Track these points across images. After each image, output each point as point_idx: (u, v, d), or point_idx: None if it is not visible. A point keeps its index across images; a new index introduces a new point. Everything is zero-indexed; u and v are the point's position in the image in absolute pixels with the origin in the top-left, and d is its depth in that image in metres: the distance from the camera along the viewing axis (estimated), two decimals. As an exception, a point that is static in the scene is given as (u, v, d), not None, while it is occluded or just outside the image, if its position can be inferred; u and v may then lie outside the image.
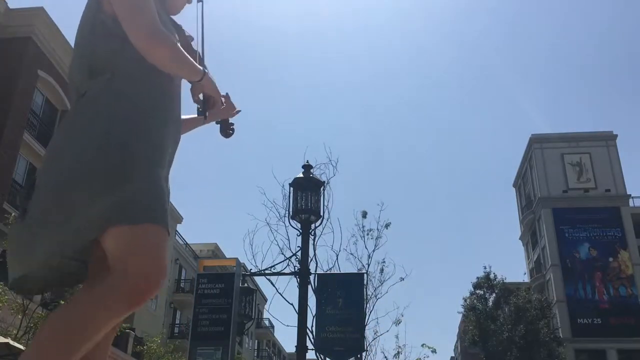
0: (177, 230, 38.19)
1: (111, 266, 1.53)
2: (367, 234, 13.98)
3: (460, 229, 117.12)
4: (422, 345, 13.60)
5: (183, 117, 2.03)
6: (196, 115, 2.20)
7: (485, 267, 41.62)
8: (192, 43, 2.11)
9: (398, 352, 15.69)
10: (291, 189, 8.69)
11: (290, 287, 15.43)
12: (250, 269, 11.05)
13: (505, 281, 40.34)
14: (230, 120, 2.26)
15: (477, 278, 40.36)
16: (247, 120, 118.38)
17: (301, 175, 8.67)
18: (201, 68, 1.88)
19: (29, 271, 1.61)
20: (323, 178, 10.35)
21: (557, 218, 45.40)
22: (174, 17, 2.06)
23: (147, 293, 1.51)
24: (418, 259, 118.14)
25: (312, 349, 9.24)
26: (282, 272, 10.00)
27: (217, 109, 2.08)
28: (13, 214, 16.20)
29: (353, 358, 9.73)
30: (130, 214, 1.55)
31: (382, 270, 14.20)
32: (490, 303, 39.23)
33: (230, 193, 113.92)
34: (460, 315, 45.55)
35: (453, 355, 75.12)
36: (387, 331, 16.70)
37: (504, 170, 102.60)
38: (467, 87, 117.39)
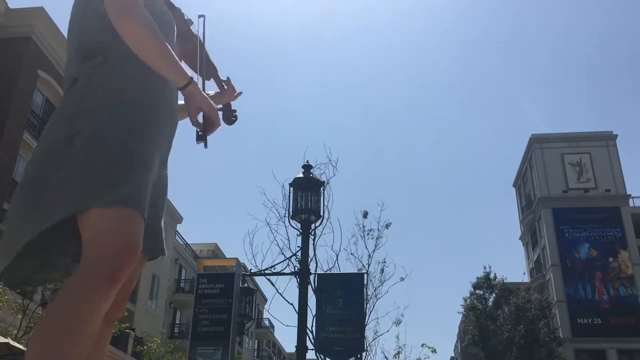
0: (177, 230, 38.19)
1: (84, 250, 1.54)
2: (368, 234, 13.97)
3: (460, 229, 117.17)
4: (422, 345, 13.61)
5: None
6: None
7: (485, 267, 41.69)
8: (192, 56, 2.07)
9: (398, 352, 15.69)
10: (291, 189, 8.69)
11: (290, 287, 15.44)
12: (250, 269, 11.05)
13: (505, 281, 40.36)
14: (233, 107, 2.20)
15: (477, 278, 40.37)
16: (248, 120, 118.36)
17: (301, 175, 8.67)
18: (188, 74, 1.78)
19: (10, 262, 1.62)
20: (323, 178, 10.35)
21: (557, 218, 45.40)
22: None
23: (119, 269, 1.50)
24: (418, 259, 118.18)
25: (312, 349, 9.24)
26: (282, 272, 9.99)
27: (213, 128, 1.90)
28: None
29: (353, 358, 9.73)
30: (101, 197, 1.54)
31: (382, 270, 14.19)
32: (490, 303, 39.23)
33: (230, 193, 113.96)
34: (460, 315, 45.58)
35: (453, 355, 75.11)
36: (387, 331, 16.69)
37: (504, 170, 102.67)
38: (467, 87, 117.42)
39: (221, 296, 10.34)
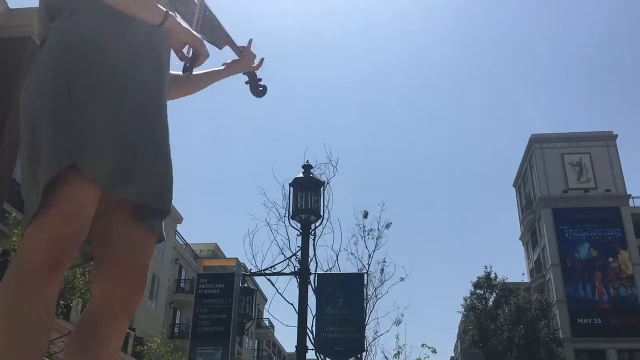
0: (177, 230, 38.19)
1: None
2: (368, 234, 13.96)
3: (460, 229, 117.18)
4: (422, 345, 13.60)
5: (196, 72, 1.93)
6: (213, 69, 2.07)
7: (486, 267, 41.70)
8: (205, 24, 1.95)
9: (398, 352, 15.66)
10: (291, 189, 8.69)
11: (290, 287, 15.41)
12: (250, 269, 11.04)
13: (505, 281, 40.39)
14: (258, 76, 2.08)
15: (478, 278, 40.40)
16: (248, 120, 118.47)
17: (301, 175, 8.67)
18: (163, 9, 1.65)
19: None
20: (323, 178, 10.34)
21: (557, 218, 45.40)
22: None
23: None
24: (418, 259, 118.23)
25: (312, 349, 9.24)
26: (282, 272, 9.99)
27: (199, 59, 1.78)
28: (13, 214, 16.18)
29: (353, 358, 9.73)
30: (52, 159, 1.46)
31: (382, 270, 14.17)
32: (490, 303, 39.25)
33: (230, 193, 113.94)
34: (460, 315, 45.61)
35: (453, 355, 75.13)
36: (387, 331, 16.65)
37: (504, 170, 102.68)
38: (467, 87, 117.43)
39: (221, 296, 10.34)
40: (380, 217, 14.44)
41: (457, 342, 70.14)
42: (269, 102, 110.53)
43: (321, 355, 10.07)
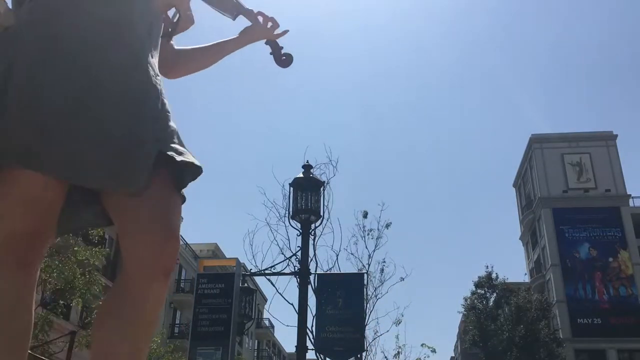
0: (177, 230, 38.14)
1: None
2: (368, 234, 13.98)
3: (460, 229, 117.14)
4: (422, 345, 13.61)
5: (209, 43, 1.86)
6: (225, 39, 1.94)
7: (487, 267, 41.73)
8: None
9: (398, 352, 15.67)
10: (291, 189, 8.70)
11: (290, 287, 15.44)
12: (250, 269, 11.05)
13: (506, 281, 40.42)
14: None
15: (479, 277, 40.43)
16: (248, 120, 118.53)
17: (301, 175, 8.68)
18: None
19: None
20: (323, 178, 10.36)
21: (557, 218, 45.41)
22: None
23: None
24: (418, 259, 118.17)
25: (312, 349, 9.25)
26: (282, 272, 10.00)
27: (181, 25, 1.66)
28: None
29: (353, 358, 9.73)
30: None
31: (382, 270, 14.19)
32: (491, 303, 39.27)
33: (230, 193, 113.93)
34: (461, 315, 45.61)
35: (453, 355, 75.12)
36: (387, 331, 16.67)
37: (504, 170, 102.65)
38: (467, 87, 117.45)
39: (221, 296, 10.35)
40: (380, 217, 14.47)
41: (457, 342, 70.15)
42: (269, 102, 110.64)
43: (321, 355, 10.07)
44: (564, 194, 46.42)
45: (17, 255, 1.39)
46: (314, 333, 9.35)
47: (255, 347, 52.92)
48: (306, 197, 8.41)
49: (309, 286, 9.00)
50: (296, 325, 8.10)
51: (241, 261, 10.93)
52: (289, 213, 9.04)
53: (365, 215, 14.29)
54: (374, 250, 13.84)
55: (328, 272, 11.85)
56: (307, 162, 8.90)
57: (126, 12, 1.50)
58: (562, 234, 44.88)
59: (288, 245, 10.96)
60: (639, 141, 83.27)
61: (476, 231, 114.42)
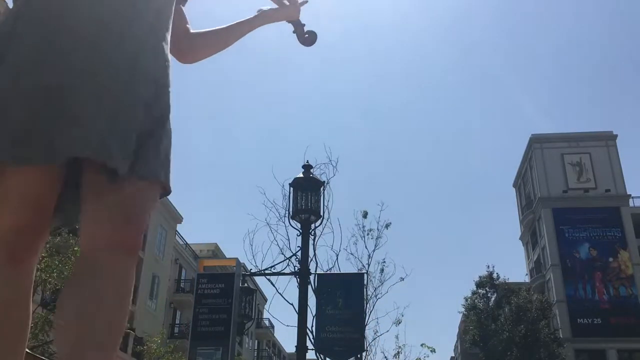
0: (177, 230, 38.21)
1: None
2: (368, 234, 13.98)
3: (460, 229, 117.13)
4: (422, 345, 13.61)
5: (224, 26, 1.83)
6: (244, 19, 1.89)
7: (488, 267, 41.75)
8: None
9: (398, 352, 15.67)
10: (291, 189, 8.69)
11: (290, 287, 15.41)
12: (250, 269, 11.05)
13: (507, 281, 40.46)
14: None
15: (480, 277, 40.45)
16: (248, 120, 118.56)
17: (301, 175, 8.67)
18: None
19: None
20: (323, 178, 10.35)
21: (557, 218, 45.41)
22: None
23: None
24: (418, 259, 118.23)
25: (312, 349, 9.25)
26: (282, 272, 9.99)
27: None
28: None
29: (353, 358, 9.73)
30: None
31: (382, 270, 14.18)
32: (491, 302, 39.29)
33: (230, 193, 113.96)
34: (461, 315, 45.61)
35: (453, 355, 75.12)
36: (387, 331, 16.65)
37: (504, 170, 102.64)
38: (467, 87, 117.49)
39: (221, 296, 10.35)
40: (379, 217, 14.47)
41: (457, 342, 70.15)
42: (269, 102, 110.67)
43: (321, 355, 10.07)
44: (564, 194, 46.42)
45: (8, 251, 1.36)
46: (314, 333, 9.35)
47: (255, 347, 52.93)
48: (306, 197, 8.41)
49: (309, 286, 9.00)
50: (296, 325, 8.10)
51: (241, 261, 10.93)
52: (289, 213, 9.05)
53: (365, 215, 14.28)
54: (373, 250, 13.83)
55: (328, 272, 11.85)
56: (307, 162, 8.90)
57: (124, 9, 1.47)
58: (562, 234, 44.89)
59: (288, 245, 10.95)
60: (639, 141, 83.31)
61: (476, 231, 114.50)
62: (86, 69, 1.37)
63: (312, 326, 9.36)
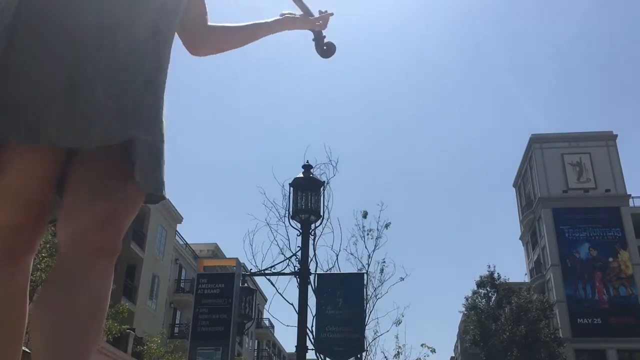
0: (177, 230, 38.20)
1: None
2: (367, 234, 13.99)
3: (460, 229, 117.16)
4: (422, 345, 13.65)
5: (242, 24, 1.80)
6: (268, 21, 1.85)
7: (489, 267, 41.78)
8: None
9: (398, 352, 15.69)
10: (291, 189, 8.69)
11: (290, 287, 15.44)
12: (250, 269, 11.06)
13: (507, 281, 40.48)
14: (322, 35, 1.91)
15: (481, 277, 40.47)
16: (248, 120, 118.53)
17: (301, 175, 8.67)
18: None
19: None
20: (323, 178, 10.37)
21: (557, 218, 45.41)
22: None
23: None
24: (418, 259, 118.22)
25: (312, 349, 9.25)
26: (282, 272, 10.00)
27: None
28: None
29: (353, 358, 9.73)
30: None
31: (382, 270, 14.21)
32: (492, 302, 39.31)
33: (230, 193, 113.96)
34: (461, 314, 45.62)
35: (453, 355, 75.12)
36: (387, 331, 16.71)
37: (504, 170, 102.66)
38: (467, 87, 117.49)
39: (221, 296, 10.35)
40: (379, 217, 14.49)
41: (457, 342, 70.15)
42: (269, 102, 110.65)
43: (321, 355, 10.08)
44: (564, 194, 46.42)
45: (5, 249, 1.35)
46: (314, 333, 9.35)
47: (255, 347, 52.92)
48: (306, 197, 8.41)
49: (309, 286, 9.00)
50: (296, 325, 8.10)
51: (241, 261, 10.93)
52: (289, 213, 9.05)
53: (364, 215, 14.32)
54: (373, 250, 13.87)
55: (328, 272, 11.87)
56: (307, 162, 8.90)
57: (123, 12, 1.43)
58: (562, 234, 44.89)
59: (288, 245, 10.99)
60: (639, 141, 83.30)
61: (476, 231, 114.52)
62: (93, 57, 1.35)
63: (312, 326, 9.37)
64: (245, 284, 11.06)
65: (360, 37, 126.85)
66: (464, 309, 41.73)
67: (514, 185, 56.31)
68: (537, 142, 49.31)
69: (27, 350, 1.48)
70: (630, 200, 46.25)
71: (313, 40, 1.89)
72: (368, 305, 12.95)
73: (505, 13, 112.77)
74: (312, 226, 8.85)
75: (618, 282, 42.81)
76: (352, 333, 9.36)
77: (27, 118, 1.27)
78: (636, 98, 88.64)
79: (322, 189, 8.72)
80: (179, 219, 37.63)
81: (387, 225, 14.30)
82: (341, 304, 9.42)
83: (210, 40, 1.79)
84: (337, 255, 12.37)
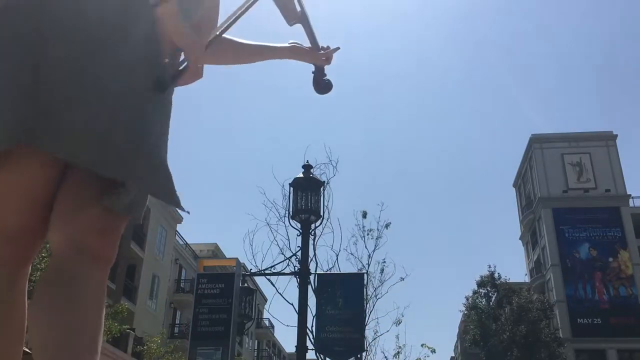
0: (177, 230, 38.20)
1: None
2: (367, 234, 14.00)
3: (460, 229, 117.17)
4: (422, 345, 13.66)
5: (246, 42, 1.71)
6: (275, 45, 1.77)
7: (490, 266, 41.79)
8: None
9: (398, 352, 15.69)
10: (291, 189, 8.70)
11: (290, 287, 15.46)
12: (250, 269, 11.06)
13: (508, 281, 40.51)
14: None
15: (481, 277, 40.49)
16: (248, 120, 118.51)
17: (301, 175, 8.67)
18: None
19: None
20: (323, 178, 10.37)
21: (557, 218, 45.41)
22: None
23: None
24: (418, 259, 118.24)
25: (312, 349, 9.25)
26: (282, 272, 10.00)
27: (185, 77, 1.42)
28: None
29: (353, 358, 9.74)
30: None
31: (382, 270, 14.22)
32: (492, 302, 39.33)
33: (230, 193, 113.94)
34: (461, 314, 45.64)
35: (453, 355, 75.12)
36: (387, 331, 16.70)
37: (504, 170, 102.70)
38: (467, 87, 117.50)
39: (221, 296, 10.36)
40: (379, 217, 14.50)
41: (457, 342, 70.15)
42: (269, 102, 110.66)
43: (321, 355, 10.08)
44: (564, 194, 46.42)
45: (7, 250, 1.34)
46: (314, 333, 9.36)
47: (255, 347, 52.92)
48: (306, 197, 8.41)
49: (309, 286, 9.00)
50: (296, 325, 8.10)
51: (241, 261, 10.94)
52: (289, 213, 9.06)
53: (364, 215, 14.33)
54: (373, 251, 13.89)
55: (328, 272, 11.87)
56: (307, 162, 8.90)
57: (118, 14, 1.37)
58: (562, 234, 44.88)
59: (288, 245, 10.99)
60: (639, 141, 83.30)
61: (476, 231, 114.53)
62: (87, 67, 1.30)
63: (312, 326, 9.38)
64: (245, 284, 11.06)
65: (360, 37, 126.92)
66: (464, 309, 41.77)
67: (514, 185, 56.31)
68: (537, 142, 49.31)
69: (27, 350, 1.48)
70: (630, 200, 46.25)
71: (313, 72, 1.85)
72: (368, 305, 12.96)
73: (505, 13, 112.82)
74: (312, 226, 8.85)
75: (618, 282, 42.81)
76: (352, 333, 9.37)
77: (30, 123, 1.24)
78: (636, 98, 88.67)
79: (322, 189, 8.73)
80: (179, 219, 37.63)
81: (387, 225, 14.32)
82: (341, 304, 9.42)
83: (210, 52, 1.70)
84: (337, 255, 12.38)
